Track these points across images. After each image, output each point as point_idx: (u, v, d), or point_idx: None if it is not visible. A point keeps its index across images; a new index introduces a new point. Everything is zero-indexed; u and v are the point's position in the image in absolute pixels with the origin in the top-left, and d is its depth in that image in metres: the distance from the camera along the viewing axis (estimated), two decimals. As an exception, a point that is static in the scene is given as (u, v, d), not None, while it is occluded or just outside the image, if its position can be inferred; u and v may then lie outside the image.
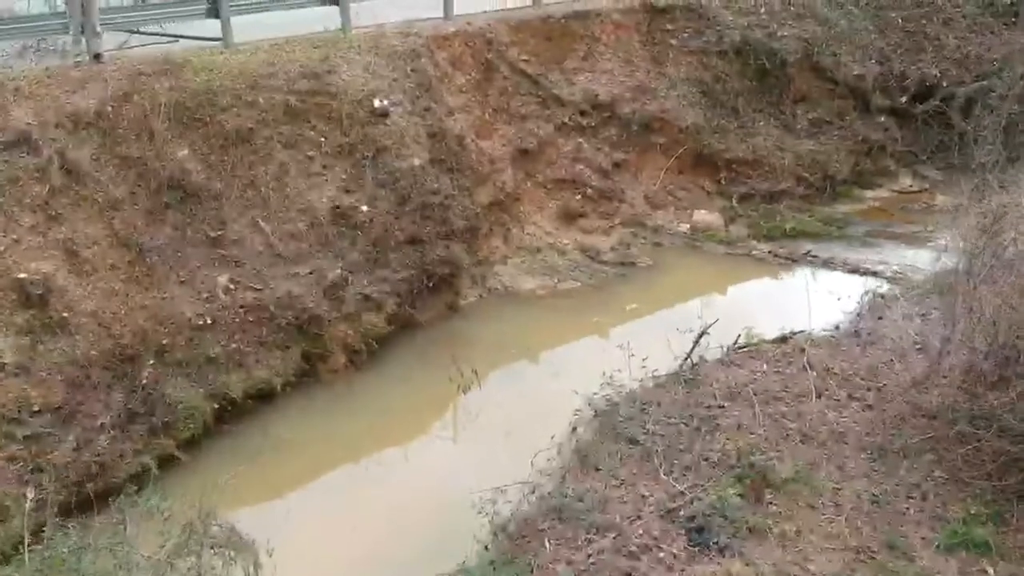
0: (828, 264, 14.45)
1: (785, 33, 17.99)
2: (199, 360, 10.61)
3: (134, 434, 9.72)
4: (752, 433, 7.90)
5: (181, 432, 10.10)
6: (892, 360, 8.95)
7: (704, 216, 15.90)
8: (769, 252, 14.95)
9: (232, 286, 11.30)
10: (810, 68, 18.09)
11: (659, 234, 15.57)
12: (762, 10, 18.26)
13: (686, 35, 17.53)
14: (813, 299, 12.54)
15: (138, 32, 14.27)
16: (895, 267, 14.21)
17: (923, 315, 10.11)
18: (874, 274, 14.03)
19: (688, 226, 15.79)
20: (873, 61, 18.69)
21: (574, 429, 8.82)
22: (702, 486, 7.27)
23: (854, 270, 14.24)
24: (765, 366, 8.87)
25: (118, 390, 9.89)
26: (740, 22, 17.83)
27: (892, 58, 18.95)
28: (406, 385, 11.50)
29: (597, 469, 7.63)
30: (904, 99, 18.67)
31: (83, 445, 9.34)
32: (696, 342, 9.55)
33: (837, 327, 10.87)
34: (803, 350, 9.06)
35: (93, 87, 11.63)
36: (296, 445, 10.39)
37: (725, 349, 9.63)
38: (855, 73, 18.28)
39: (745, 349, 9.62)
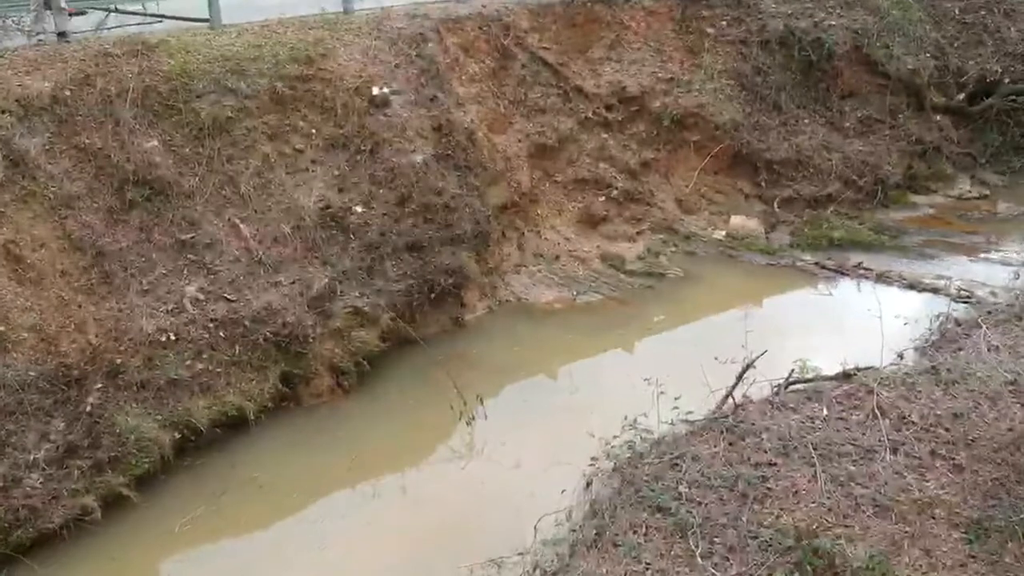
0: (883, 278, 12.79)
1: (833, 23, 16.36)
2: (158, 382, 9.17)
3: (74, 471, 8.29)
4: (812, 502, 6.31)
5: (133, 467, 8.65)
6: (981, 405, 7.33)
7: (742, 222, 14.29)
8: (815, 263, 13.31)
9: (202, 296, 9.87)
10: (859, 61, 16.43)
11: (691, 242, 13.98)
12: (807, -3, 16.63)
13: (724, 23, 15.94)
14: (871, 321, 10.95)
15: (116, 11, 12.90)
16: (958, 283, 12.56)
17: (1011, 347, 8.48)
18: (935, 290, 12.39)
19: (724, 233, 14.20)
20: (928, 55, 17.02)
21: (588, 484, 7.29)
22: (752, 577, 5.73)
23: (912, 286, 12.59)
24: (825, 410, 7.28)
25: (58, 418, 8.48)
26: (783, 10, 16.24)
27: (948, 52, 17.30)
28: (399, 413, 10.01)
29: (615, 546, 6.07)
30: (961, 97, 17.02)
31: (10, 485, 7.93)
32: (739, 378, 7.98)
33: (903, 357, 9.26)
34: (871, 390, 7.47)
35: (50, 69, 10.28)
36: (265, 484, 8.92)
37: (774, 385, 8.05)
38: (908, 67, 16.60)
39: (799, 387, 8.03)
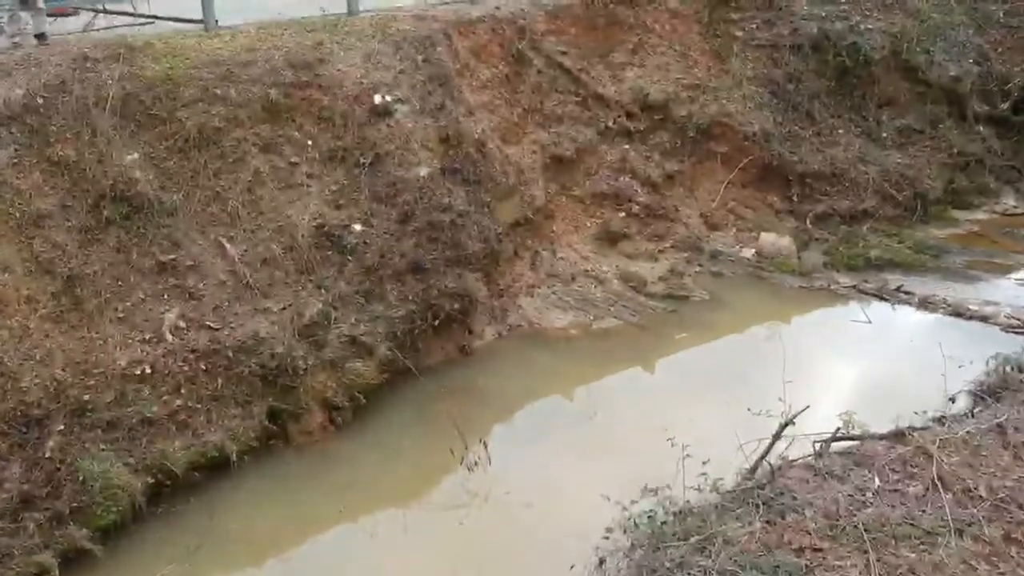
0: (926, 304, 11.80)
1: (870, 26, 15.39)
2: (130, 421, 8.31)
3: (30, 524, 7.44)
4: (868, 601, 5.39)
5: (98, 518, 7.78)
6: (1059, 475, 6.38)
7: (772, 239, 13.31)
8: (852, 286, 12.33)
9: (183, 324, 9.02)
10: (898, 67, 15.45)
11: (718, 261, 13.01)
12: (843, -2, 15.64)
13: (754, 26, 15.00)
14: (917, 356, 10.04)
15: (104, 11, 12.09)
16: (1007, 309, 11.58)
17: (1089, 399, 7.54)
18: (983, 319, 11.41)
19: (753, 251, 13.22)
20: (970, 61, 16.02)
21: (601, 562, 6.37)
22: None
23: (958, 313, 11.59)
24: (876, 480, 6.31)
25: (14, 464, 7.65)
26: (817, 12, 15.27)
27: (992, 58, 16.29)
28: (395, 455, 9.13)
29: (631, 655, 5.18)
30: (1006, 106, 16.04)
31: (-46, 542, 7.11)
32: (776, 437, 7.04)
33: (955, 401, 8.31)
34: (929, 455, 6.51)
35: (23, 73, 9.47)
36: (245, 535, 8.07)
37: (816, 444, 7.11)
38: (950, 74, 15.62)
39: (844, 444, 7.08)
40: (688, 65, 14.43)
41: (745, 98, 14.30)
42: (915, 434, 6.97)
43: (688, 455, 6.74)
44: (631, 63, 14.13)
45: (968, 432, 6.76)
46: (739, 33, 14.88)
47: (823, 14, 15.26)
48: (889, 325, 11.40)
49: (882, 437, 7.04)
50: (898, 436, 6.95)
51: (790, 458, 6.98)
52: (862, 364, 10.27)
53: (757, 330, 11.38)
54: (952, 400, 8.43)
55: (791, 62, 14.79)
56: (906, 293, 12.14)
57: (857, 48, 14.97)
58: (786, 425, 7.03)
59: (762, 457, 6.93)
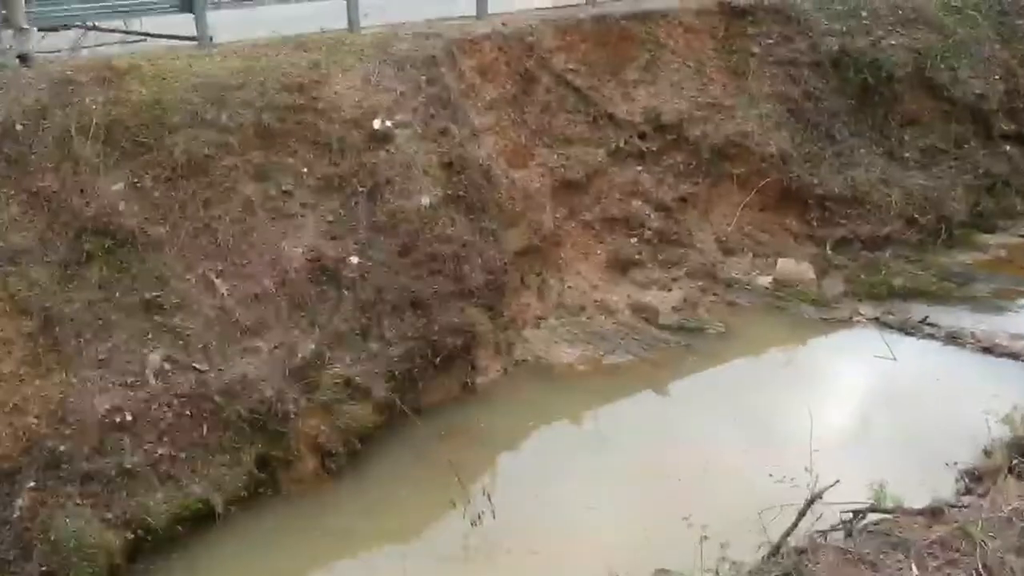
0: (953, 339, 11.23)
1: (892, 42, 14.76)
2: (109, 473, 7.80)
3: (-3, 590, 6.96)
4: None
5: (72, 580, 7.30)
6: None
7: (791, 266, 12.74)
8: (875, 319, 11.74)
9: (168, 366, 8.51)
10: (921, 85, 14.81)
11: (734, 289, 12.43)
12: (863, 13, 15.03)
13: (771, 42, 14.36)
14: (946, 401, 9.50)
15: (95, 29, 11.60)
16: (1041, 345, 11.00)
17: None
18: (1014, 356, 10.83)
19: (771, 278, 12.64)
20: (997, 77, 15.39)
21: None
22: None
23: (988, 349, 11.01)
24: (914, 568, 5.73)
25: (-19, 524, 7.15)
26: (837, 27, 14.64)
27: (1019, 74, 15.70)
28: (392, 505, 8.60)
29: None
30: (1033, 124, 15.38)
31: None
32: (801, 514, 6.48)
33: (991, 455, 7.74)
34: (970, 536, 5.92)
35: (1, 98, 8.97)
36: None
37: (844, 519, 6.55)
38: (976, 92, 14.99)
39: (876, 524, 6.50)
40: (703, 82, 13.85)
41: (762, 117, 13.71)
42: (954, 511, 6.39)
43: (705, 536, 6.18)
44: (643, 81, 13.54)
45: (1013, 510, 6.18)
46: (756, 49, 14.28)
47: (844, 29, 14.65)
48: (915, 362, 10.81)
49: (918, 512, 6.47)
50: (935, 513, 6.37)
51: (816, 531, 6.42)
52: (888, 407, 9.71)
53: (776, 367, 10.85)
54: (987, 454, 7.86)
55: (810, 79, 14.19)
56: (931, 326, 11.56)
57: (879, 65, 14.38)
58: (812, 501, 6.48)
59: (786, 534, 6.37)
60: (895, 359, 10.71)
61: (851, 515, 6.63)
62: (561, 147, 12.49)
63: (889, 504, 6.67)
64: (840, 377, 10.55)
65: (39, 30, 10.95)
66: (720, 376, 10.61)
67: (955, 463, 8.46)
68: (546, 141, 12.45)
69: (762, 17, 14.42)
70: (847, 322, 11.76)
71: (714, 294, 12.33)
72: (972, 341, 11.17)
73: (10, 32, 9.94)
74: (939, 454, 8.54)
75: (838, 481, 6.71)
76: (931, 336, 11.37)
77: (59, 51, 11.14)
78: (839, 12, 14.84)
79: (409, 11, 12.66)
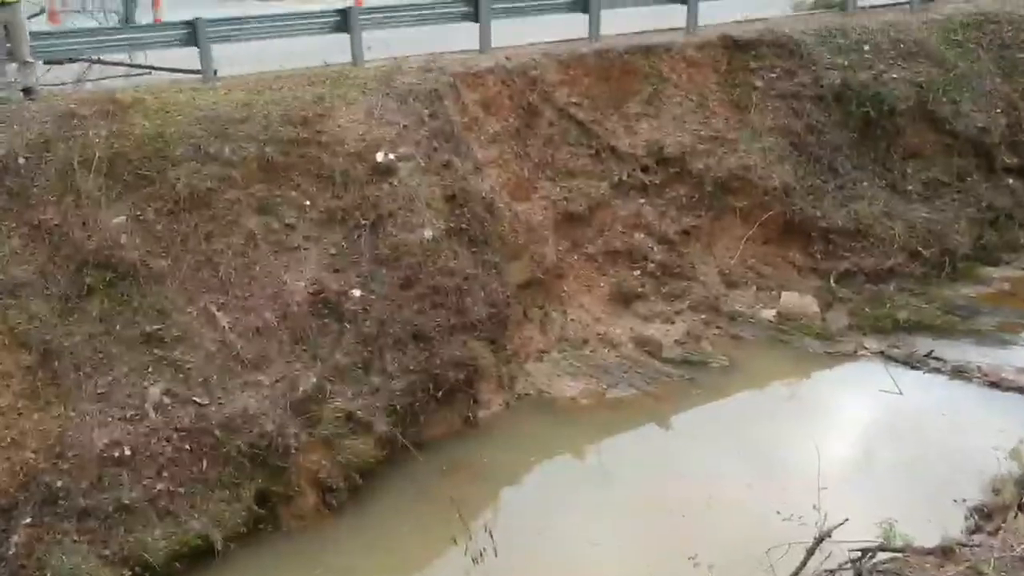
0: (959, 373, 11.16)
1: (894, 75, 14.78)
2: (106, 509, 7.74)
3: (-9, 629, 6.86)
4: None
5: (67, 619, 7.20)
6: None
7: (794, 299, 12.68)
8: (880, 352, 11.66)
9: (167, 400, 8.46)
10: (923, 118, 14.82)
11: (737, 323, 12.36)
12: (866, 47, 15.07)
13: (774, 76, 14.38)
14: (954, 435, 9.41)
15: (99, 62, 11.64)
16: (1048, 380, 10.91)
17: None
18: (1021, 390, 10.72)
19: (774, 312, 12.57)
20: (998, 111, 15.41)
21: None
22: None
23: (994, 383, 10.93)
24: (928, 612, 5.64)
25: (-24, 562, 7.07)
26: (839, 61, 14.66)
27: (1020, 108, 15.68)
28: (393, 541, 8.50)
29: None
30: (1035, 157, 15.37)
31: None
32: (810, 552, 6.39)
33: (1000, 493, 7.64)
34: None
35: (5, 132, 9.04)
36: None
37: (854, 560, 6.44)
38: (977, 125, 15.00)
39: (887, 563, 6.39)
40: (705, 116, 13.86)
41: (765, 150, 13.70)
42: (965, 550, 6.29)
43: None
44: (646, 114, 13.55)
45: (1025, 547, 6.08)
46: (759, 83, 14.30)
47: (846, 63, 14.68)
48: (921, 396, 10.74)
49: (929, 552, 6.37)
50: (946, 553, 6.27)
51: (825, 570, 6.33)
52: (894, 441, 9.63)
53: (780, 402, 10.76)
54: (996, 492, 7.76)
55: (813, 113, 14.19)
56: (937, 360, 11.48)
57: (881, 98, 14.40)
58: (821, 540, 6.39)
59: (794, 575, 6.26)
60: (901, 393, 10.62)
61: (860, 554, 6.53)
62: (564, 180, 12.49)
63: (899, 543, 6.58)
64: (845, 411, 10.46)
65: (44, 63, 11.03)
66: (724, 410, 10.52)
67: (963, 500, 8.36)
68: (549, 174, 12.45)
69: (764, 52, 14.45)
70: (852, 355, 11.68)
71: (717, 327, 12.27)
72: (978, 375, 11.09)
73: (14, 66, 9.98)
74: (947, 490, 8.44)
75: (847, 520, 6.62)
76: (937, 370, 11.29)
77: (64, 84, 11.18)
78: (841, 46, 14.87)
79: (412, 45, 12.70)
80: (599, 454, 9.77)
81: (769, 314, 12.56)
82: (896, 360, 11.47)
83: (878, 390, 10.72)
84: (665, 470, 9.39)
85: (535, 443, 9.91)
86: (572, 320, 11.87)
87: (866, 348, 11.78)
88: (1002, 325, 12.57)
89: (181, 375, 8.62)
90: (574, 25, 13.86)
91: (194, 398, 8.53)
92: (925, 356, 11.57)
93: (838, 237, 13.60)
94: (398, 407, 9.37)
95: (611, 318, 12.08)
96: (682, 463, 9.50)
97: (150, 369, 8.57)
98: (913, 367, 11.36)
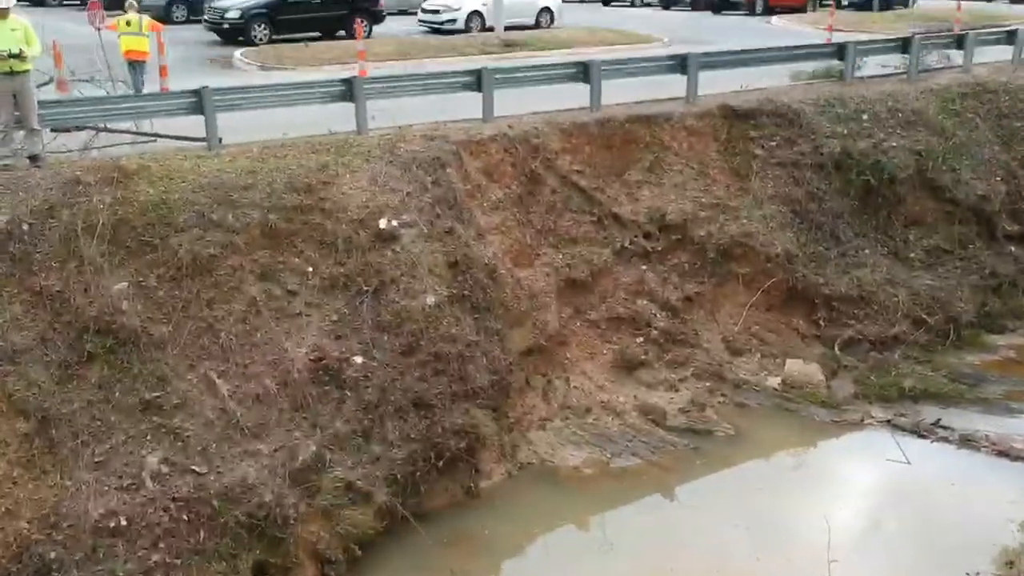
0: (967, 442, 11.04)
1: (893, 144, 14.93)
2: (101, 582, 7.57)
3: None
4: None
5: None
6: None
7: (799, 367, 12.57)
8: (887, 421, 11.55)
9: (165, 469, 8.33)
10: (924, 186, 14.94)
11: (742, 391, 12.25)
12: (864, 116, 15.24)
13: (774, 144, 14.52)
14: (965, 507, 9.26)
15: (106, 130, 11.74)
16: (1056, 449, 10.77)
17: None
18: (1031, 460, 10.60)
19: (779, 380, 12.46)
20: (998, 179, 15.54)
21: None
22: None
23: (1003, 453, 10.81)
24: None
25: (-36, 638, 6.89)
26: (839, 129, 14.82)
27: (1020, 175, 15.86)
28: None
29: None
30: (1036, 224, 15.43)
31: None
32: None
33: (1014, 566, 7.49)
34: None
35: (9, 198, 9.05)
36: None
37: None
38: (977, 193, 15.10)
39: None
40: (706, 183, 13.93)
41: (766, 218, 13.74)
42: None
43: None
44: (648, 181, 13.63)
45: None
46: (759, 151, 14.42)
47: (845, 131, 14.83)
48: (929, 465, 10.60)
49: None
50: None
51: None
52: (903, 512, 9.49)
53: (787, 472, 10.64)
54: (1009, 564, 7.61)
55: (813, 181, 14.28)
56: (945, 428, 11.36)
57: (881, 166, 14.51)
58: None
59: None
60: (908, 462, 10.49)
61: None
62: (566, 246, 12.49)
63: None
64: (853, 481, 10.31)
65: (51, 131, 11.12)
66: (730, 480, 10.37)
67: (976, 573, 8.18)
68: (551, 241, 12.46)
69: (764, 120, 14.60)
70: (858, 424, 11.56)
71: (722, 395, 12.15)
72: (986, 444, 10.97)
73: (22, 133, 10.05)
74: (959, 562, 8.28)
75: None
76: (944, 439, 11.16)
77: (70, 151, 11.26)
78: (840, 115, 15.04)
79: (416, 114, 12.83)
80: (603, 525, 9.60)
81: (774, 382, 12.46)
82: (903, 429, 11.35)
83: (885, 459, 10.59)
84: (670, 541, 9.23)
85: (537, 514, 9.74)
86: (575, 388, 11.76)
87: (872, 417, 11.66)
88: (1009, 393, 12.46)
89: (180, 443, 8.51)
90: (576, 94, 14.01)
91: (192, 467, 8.40)
92: (932, 425, 11.45)
93: (841, 304, 13.54)
94: (398, 476, 9.23)
95: (614, 386, 11.98)
96: (687, 534, 9.34)
97: (149, 437, 8.46)
98: (920, 436, 11.23)
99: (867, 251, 14.20)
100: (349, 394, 9.41)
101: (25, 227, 8.83)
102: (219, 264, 9.42)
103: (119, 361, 8.68)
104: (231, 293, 9.41)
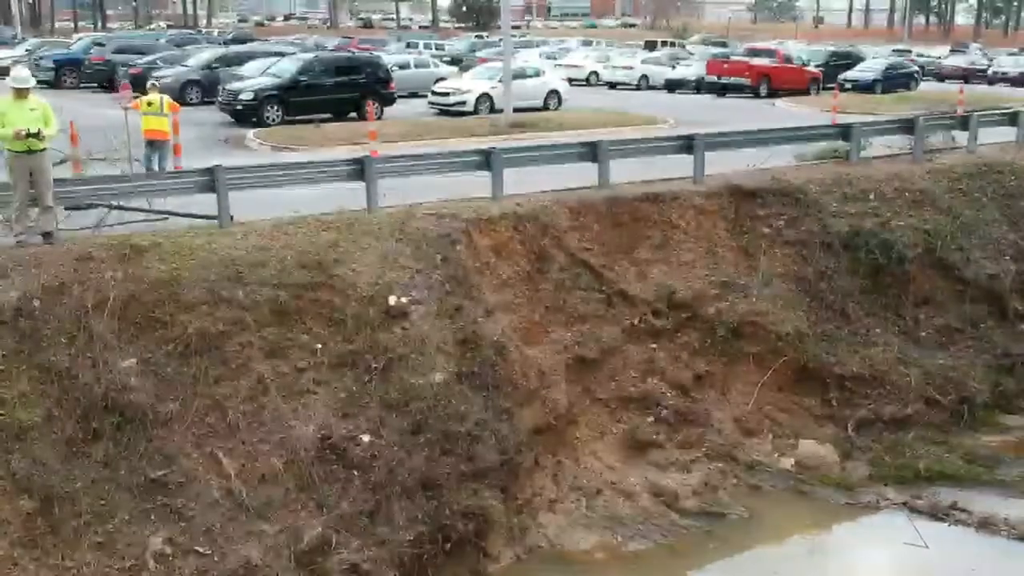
0: (985, 525, 10.80)
1: (901, 223, 14.97)
2: (98, 667, 7.36)
3: None
4: None
5: None
6: None
7: (812, 448, 12.39)
8: (903, 503, 11.32)
9: (168, 550, 8.19)
10: (933, 265, 14.92)
11: (755, 472, 12.04)
12: (871, 196, 15.33)
13: (781, 223, 14.57)
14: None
15: (119, 208, 11.83)
16: (1077, 534, 10.52)
17: None
18: (1049, 545, 10.35)
19: (792, 461, 12.27)
20: (1008, 258, 15.52)
21: None
22: None
23: (1023, 537, 10.54)
24: None
25: None
26: (847, 209, 14.89)
27: (1029, 254, 15.78)
28: None
29: None
30: (1048, 303, 15.35)
31: None
32: None
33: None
34: None
35: (21, 275, 9.06)
36: None
37: None
38: (987, 272, 15.06)
39: None
40: (715, 262, 13.94)
41: (776, 296, 13.70)
42: None
43: None
44: (656, 260, 13.64)
45: None
46: (766, 230, 14.47)
47: (852, 211, 14.90)
48: (948, 549, 10.37)
49: None
50: None
51: None
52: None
53: (802, 556, 10.41)
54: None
55: (821, 259, 14.29)
56: (962, 511, 11.13)
57: (889, 245, 14.52)
58: None
59: None
60: (927, 546, 10.26)
61: None
62: (575, 324, 12.44)
63: None
64: (871, 566, 10.09)
65: (65, 208, 11.20)
66: (743, 564, 10.16)
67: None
68: (560, 318, 12.41)
69: (771, 200, 14.68)
70: (874, 506, 11.33)
71: (735, 477, 11.94)
72: (1005, 528, 10.76)
73: (36, 210, 10.12)
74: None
75: None
76: (962, 522, 10.92)
77: (84, 228, 11.31)
78: (847, 195, 15.13)
79: (426, 192, 12.92)
80: (616, 611, 9.36)
81: (787, 463, 12.26)
82: (920, 511, 11.13)
83: (903, 543, 10.35)
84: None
85: (547, 599, 9.52)
86: (585, 468, 11.58)
87: (888, 499, 11.44)
88: (1025, 476, 12.24)
89: (184, 523, 8.38)
90: (584, 173, 14.13)
91: (196, 548, 8.27)
92: (949, 507, 11.22)
93: (853, 384, 13.40)
94: (405, 559, 9.05)
95: (625, 467, 11.79)
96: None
97: (153, 516, 8.35)
98: (938, 519, 11.00)
99: (878, 330, 14.11)
100: (356, 474, 9.28)
101: (36, 303, 8.84)
102: (227, 341, 9.40)
103: (125, 438, 8.60)
104: (239, 370, 9.36)
